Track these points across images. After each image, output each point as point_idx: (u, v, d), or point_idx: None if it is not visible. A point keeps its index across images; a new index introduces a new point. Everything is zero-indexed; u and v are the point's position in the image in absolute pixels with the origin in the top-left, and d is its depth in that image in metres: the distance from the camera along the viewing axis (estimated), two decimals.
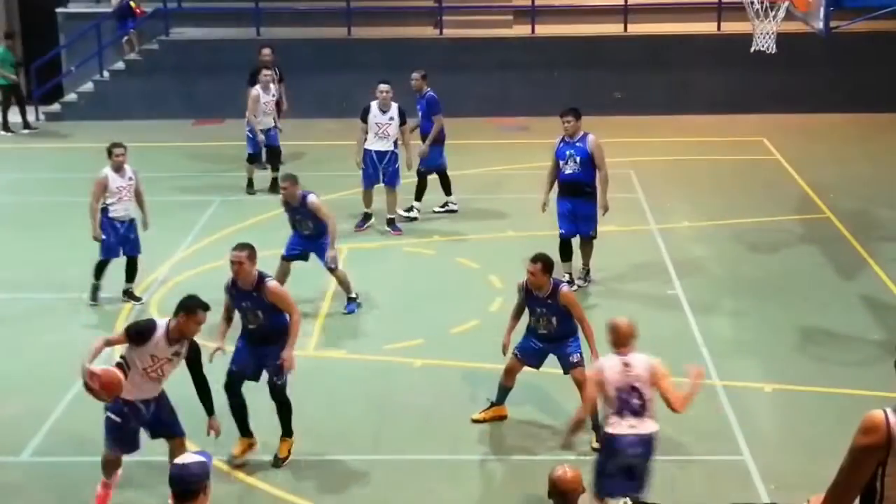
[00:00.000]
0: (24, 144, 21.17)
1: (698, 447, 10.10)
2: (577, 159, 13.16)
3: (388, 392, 11.23)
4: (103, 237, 13.27)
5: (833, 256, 14.71)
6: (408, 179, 16.00)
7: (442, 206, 16.55)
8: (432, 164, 16.27)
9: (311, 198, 12.70)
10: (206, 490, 5.69)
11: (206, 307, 8.88)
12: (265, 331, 9.66)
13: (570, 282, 13.06)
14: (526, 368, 10.33)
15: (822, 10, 13.66)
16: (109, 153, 13.39)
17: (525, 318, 10.22)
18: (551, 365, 10.36)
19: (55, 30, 24.08)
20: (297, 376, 11.37)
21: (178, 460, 5.90)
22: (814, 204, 16.71)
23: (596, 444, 9.41)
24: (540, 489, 6.60)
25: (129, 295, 13.55)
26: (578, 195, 13.26)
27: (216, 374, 9.54)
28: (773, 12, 14.69)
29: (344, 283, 13.16)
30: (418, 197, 16.36)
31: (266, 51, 18.67)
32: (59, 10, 24.01)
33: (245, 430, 9.93)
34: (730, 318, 12.99)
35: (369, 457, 10.07)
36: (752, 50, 15.08)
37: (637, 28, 22.86)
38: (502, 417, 10.56)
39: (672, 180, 18.06)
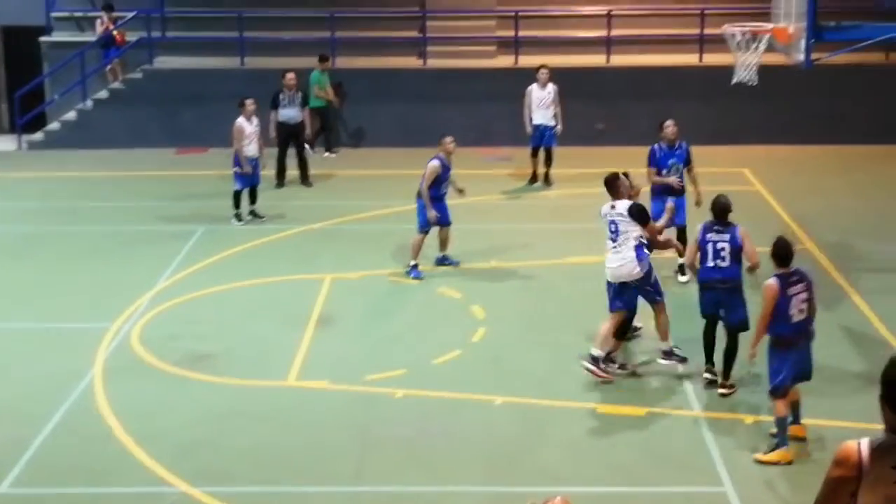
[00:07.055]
0: (6, 173, 21.13)
1: (679, 478, 10.09)
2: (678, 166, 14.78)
3: (370, 423, 11.19)
4: (241, 169, 16.60)
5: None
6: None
7: None
8: None
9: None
10: None
11: None
12: None
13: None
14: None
15: (803, 42, 13.78)
16: (242, 104, 16.61)
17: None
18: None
19: (39, 58, 24.08)
20: (275, 408, 11.37)
21: None
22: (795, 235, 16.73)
23: None
24: None
25: (253, 214, 17.08)
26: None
27: None
28: (755, 44, 14.78)
29: (444, 241, 15.42)
30: None
31: (290, 75, 18.98)
32: (42, 38, 24.02)
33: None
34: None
35: (351, 488, 10.02)
36: (733, 82, 15.16)
37: (620, 59, 23.01)
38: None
39: None
